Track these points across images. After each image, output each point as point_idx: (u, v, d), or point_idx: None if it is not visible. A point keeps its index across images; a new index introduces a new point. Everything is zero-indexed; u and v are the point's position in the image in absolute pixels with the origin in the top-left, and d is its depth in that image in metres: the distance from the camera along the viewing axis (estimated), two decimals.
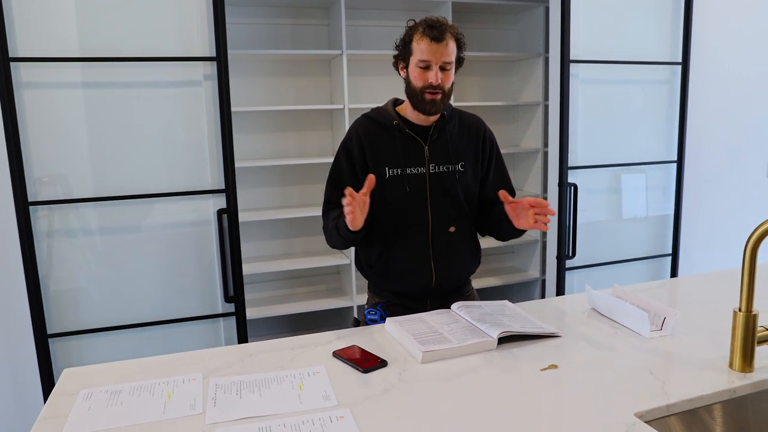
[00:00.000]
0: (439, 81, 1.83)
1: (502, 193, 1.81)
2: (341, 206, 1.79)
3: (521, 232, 1.96)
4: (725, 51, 3.73)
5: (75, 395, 1.39)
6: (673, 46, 3.56)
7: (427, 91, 1.84)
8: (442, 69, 1.84)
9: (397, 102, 2.04)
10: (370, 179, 1.72)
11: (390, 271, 2.00)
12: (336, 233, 1.90)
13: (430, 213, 1.95)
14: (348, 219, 1.75)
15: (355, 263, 2.14)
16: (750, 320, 1.41)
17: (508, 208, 1.85)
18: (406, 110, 1.97)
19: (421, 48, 1.82)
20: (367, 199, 1.75)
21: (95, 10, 2.48)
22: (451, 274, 2.02)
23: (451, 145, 1.97)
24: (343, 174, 1.98)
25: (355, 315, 3.81)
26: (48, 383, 2.57)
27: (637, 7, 3.45)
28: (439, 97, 1.86)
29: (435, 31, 1.80)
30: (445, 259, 1.99)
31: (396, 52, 1.94)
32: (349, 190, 1.69)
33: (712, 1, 3.62)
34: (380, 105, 2.04)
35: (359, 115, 2.05)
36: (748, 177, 3.94)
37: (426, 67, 1.83)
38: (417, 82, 1.85)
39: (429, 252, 1.97)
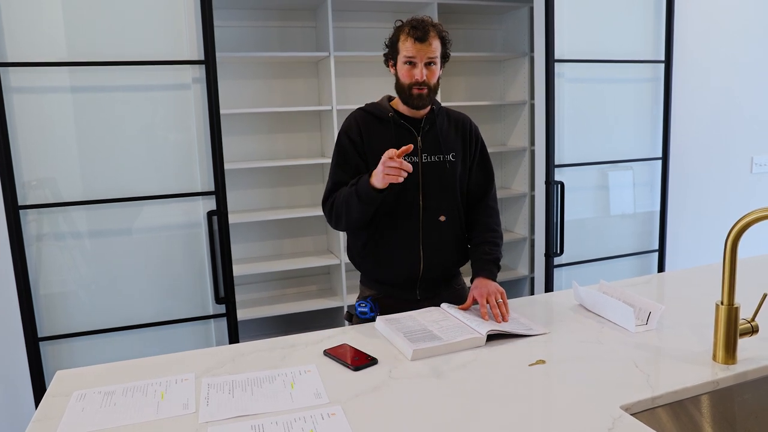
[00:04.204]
0: (424, 77, 1.92)
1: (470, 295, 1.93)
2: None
3: None
4: (707, 49, 3.77)
5: (68, 396, 1.40)
6: (656, 45, 3.60)
7: (414, 87, 1.94)
8: (427, 65, 1.93)
9: (390, 98, 2.11)
10: (409, 147, 1.77)
11: (380, 255, 2.04)
12: (355, 198, 1.89)
13: (422, 201, 2.00)
14: (388, 177, 1.77)
15: (347, 252, 2.18)
16: (732, 313, 1.44)
17: (471, 292, 1.95)
18: (399, 104, 2.05)
19: (406, 47, 1.92)
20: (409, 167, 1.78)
21: (84, 14, 2.48)
22: (439, 262, 2.06)
23: (441, 136, 2.04)
24: (348, 157, 2.01)
25: (345, 315, 3.83)
26: (39, 387, 2.57)
27: (620, 6, 3.49)
28: (425, 92, 1.95)
29: (419, 31, 1.90)
30: (433, 247, 2.03)
31: (386, 51, 2.04)
32: (393, 151, 1.75)
33: None
34: (374, 101, 2.11)
35: (354, 110, 2.11)
36: (732, 173, 3.99)
37: (412, 64, 1.93)
38: (404, 78, 1.95)
39: (418, 239, 2.01)
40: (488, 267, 2.02)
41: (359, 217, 1.94)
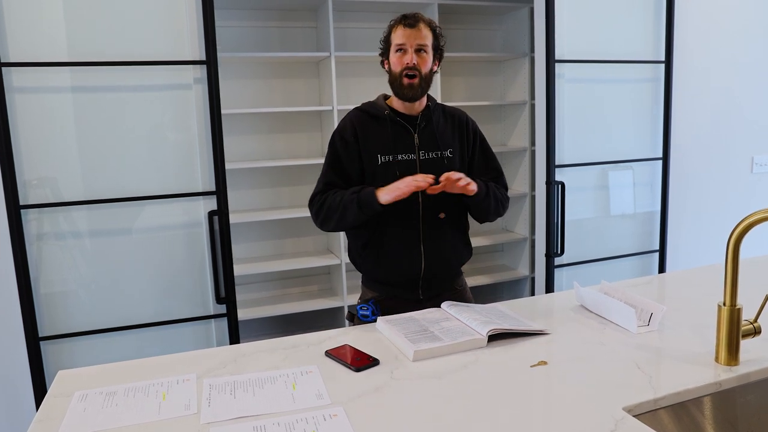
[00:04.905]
0: (414, 61, 1.94)
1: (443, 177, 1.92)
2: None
3: (472, 199, 2.02)
4: (707, 49, 3.77)
5: (70, 397, 1.40)
6: (656, 45, 3.60)
7: (405, 75, 1.96)
8: (418, 51, 1.96)
9: (386, 97, 2.12)
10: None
11: (381, 256, 2.05)
12: (355, 206, 1.91)
13: (421, 198, 2.00)
14: (399, 192, 1.85)
15: (348, 254, 2.19)
16: (734, 314, 1.44)
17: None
18: (394, 102, 2.07)
19: (397, 35, 1.97)
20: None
21: (85, 15, 2.48)
22: (441, 260, 2.07)
23: (437, 132, 2.06)
24: (341, 158, 2.03)
25: (346, 314, 3.83)
26: (40, 387, 2.56)
27: (620, 6, 3.48)
28: (416, 81, 1.96)
29: (408, 19, 1.96)
30: (434, 245, 2.04)
31: (380, 51, 2.07)
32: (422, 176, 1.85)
33: None
34: (370, 100, 2.13)
35: (350, 110, 2.13)
36: (732, 172, 3.98)
37: (402, 51, 1.96)
38: (395, 67, 1.98)
39: (419, 237, 2.02)
40: (483, 181, 2.07)
41: (352, 223, 1.98)
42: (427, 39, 1.96)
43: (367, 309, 2.03)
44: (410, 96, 1.98)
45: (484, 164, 2.17)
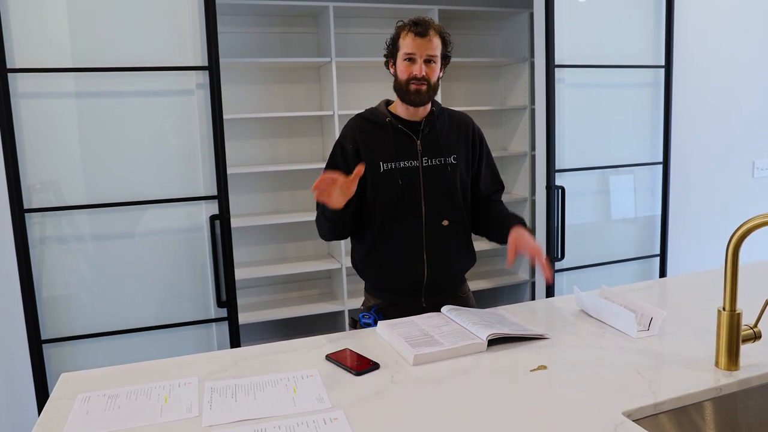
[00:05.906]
0: (423, 73, 1.92)
1: (512, 242, 1.89)
2: None
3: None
4: (707, 53, 3.77)
5: (72, 399, 1.40)
6: (656, 49, 3.60)
7: (412, 82, 1.93)
8: (427, 62, 1.93)
9: (388, 102, 2.10)
10: (360, 168, 1.74)
11: (383, 263, 2.04)
12: (322, 216, 1.95)
13: (424, 205, 1.99)
14: (322, 199, 1.76)
15: (351, 261, 2.18)
16: (734, 319, 1.44)
17: (510, 239, 1.91)
18: (397, 107, 2.05)
19: (406, 43, 1.92)
20: (347, 182, 1.74)
21: (89, 21, 2.49)
22: (444, 268, 2.05)
23: (441, 138, 2.03)
24: (339, 168, 2.00)
25: (347, 319, 3.82)
26: (42, 389, 2.57)
27: (619, 11, 3.49)
28: (424, 88, 1.93)
29: (419, 27, 1.91)
30: (437, 253, 2.02)
31: (386, 52, 2.04)
32: (326, 175, 1.70)
33: (694, 4, 3.67)
34: (373, 106, 2.11)
35: (353, 116, 2.12)
36: (733, 177, 3.98)
37: (411, 60, 1.93)
38: (403, 74, 1.94)
39: (422, 244, 2.00)
40: (521, 221, 2.00)
41: (330, 231, 2.00)
42: (437, 49, 1.93)
43: (369, 317, 2.02)
44: (417, 101, 1.96)
45: (490, 177, 2.15)
